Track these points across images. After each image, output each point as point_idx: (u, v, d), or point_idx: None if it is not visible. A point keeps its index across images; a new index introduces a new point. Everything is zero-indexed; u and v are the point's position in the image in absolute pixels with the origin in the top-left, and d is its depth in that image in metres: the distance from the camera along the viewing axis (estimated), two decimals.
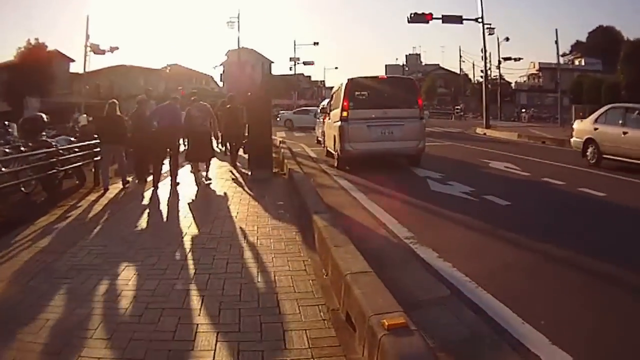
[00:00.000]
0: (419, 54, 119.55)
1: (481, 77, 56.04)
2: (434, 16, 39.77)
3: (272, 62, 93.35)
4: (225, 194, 11.71)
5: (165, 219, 9.39)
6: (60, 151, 13.07)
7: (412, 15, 39.83)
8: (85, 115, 25.32)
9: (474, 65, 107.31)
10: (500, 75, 69.23)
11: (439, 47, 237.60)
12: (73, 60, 53.12)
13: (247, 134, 15.53)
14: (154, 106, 14.91)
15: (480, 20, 41.16)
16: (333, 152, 16.70)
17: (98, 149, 13.75)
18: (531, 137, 28.93)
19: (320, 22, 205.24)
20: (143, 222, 8.97)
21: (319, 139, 25.26)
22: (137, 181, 13.57)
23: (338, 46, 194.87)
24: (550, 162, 17.00)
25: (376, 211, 9.38)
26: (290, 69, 72.96)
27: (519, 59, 64.04)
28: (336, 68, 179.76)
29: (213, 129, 14.09)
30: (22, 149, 12.65)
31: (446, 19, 40.41)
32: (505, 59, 62.46)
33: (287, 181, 13.06)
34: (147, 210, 10.08)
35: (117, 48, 39.56)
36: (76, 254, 6.85)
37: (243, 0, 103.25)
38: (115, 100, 13.76)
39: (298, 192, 10.44)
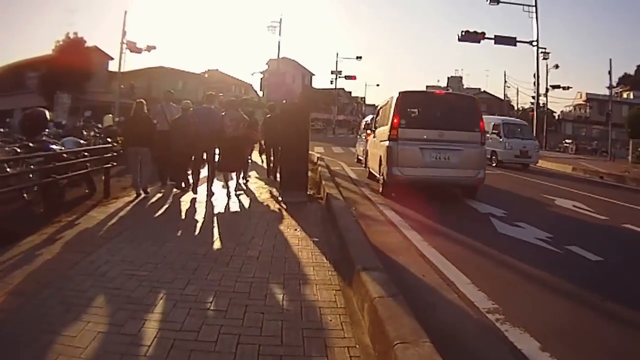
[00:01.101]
0: (461, 77, 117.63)
1: (531, 103, 53.97)
2: (486, 36, 38.05)
3: (313, 75, 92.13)
4: (250, 218, 10.00)
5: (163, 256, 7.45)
6: (65, 155, 11.37)
7: (464, 33, 38.48)
8: (110, 116, 23.77)
9: (518, 91, 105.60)
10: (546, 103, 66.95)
11: (483, 70, 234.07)
12: (112, 58, 51.63)
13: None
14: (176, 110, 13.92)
15: (534, 43, 39.13)
16: (377, 175, 14.89)
17: (109, 155, 12.15)
18: (587, 171, 26.81)
19: (364, 36, 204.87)
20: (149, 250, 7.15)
21: (360, 157, 23.70)
22: (162, 189, 13.06)
23: (380, 62, 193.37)
24: (622, 202, 15.00)
25: (439, 261, 7.39)
26: (331, 82, 71.62)
27: (568, 87, 61.83)
28: (377, 85, 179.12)
29: (249, 135, 13.59)
30: (18, 149, 10.98)
31: (499, 39, 39.46)
32: (554, 86, 60.23)
33: (324, 208, 11.24)
34: (156, 233, 8.32)
35: (154, 47, 38.38)
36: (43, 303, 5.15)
37: (286, 8, 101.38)
38: (142, 100, 12.94)
39: (337, 227, 8.60)
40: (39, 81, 46.20)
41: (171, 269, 6.42)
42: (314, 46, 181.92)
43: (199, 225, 9.29)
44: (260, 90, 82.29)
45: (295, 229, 8.97)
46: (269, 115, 16.52)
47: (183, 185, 12.92)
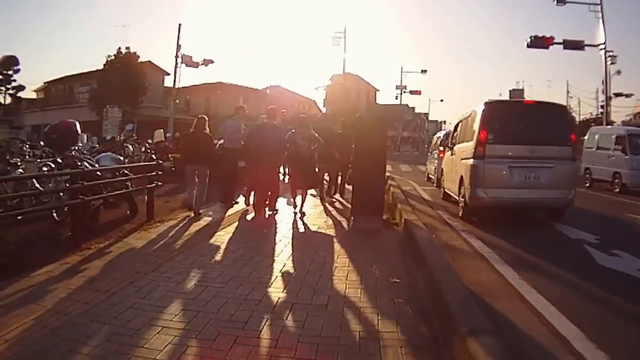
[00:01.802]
0: (523, 89, 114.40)
1: (590, 114, 51.35)
2: (554, 41, 36.33)
3: (377, 90, 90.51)
4: (316, 249, 8.41)
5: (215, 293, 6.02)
6: (98, 173, 10.10)
7: (532, 38, 36.56)
8: (161, 131, 22.68)
9: (579, 101, 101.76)
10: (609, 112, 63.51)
11: (544, 81, 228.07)
12: (168, 74, 50.65)
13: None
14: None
15: (602, 47, 37.17)
16: (456, 197, 13.22)
17: (154, 173, 10.86)
18: None
19: (426, 50, 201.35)
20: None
21: (431, 176, 22.10)
22: (225, 208, 12.43)
23: (441, 78, 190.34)
24: None
25: (543, 308, 5.75)
26: (396, 98, 69.81)
27: (630, 95, 58.33)
28: (441, 100, 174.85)
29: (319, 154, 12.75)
30: (44, 167, 9.72)
31: (567, 44, 36.89)
32: (617, 94, 56.79)
33: (402, 237, 9.64)
34: (200, 268, 6.90)
35: (211, 61, 37.06)
36: None
37: (349, 23, 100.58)
38: (204, 116, 12.37)
39: (424, 264, 6.97)
40: (90, 95, 46.07)
41: (214, 321, 4.95)
42: (377, 60, 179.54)
43: (255, 258, 7.73)
44: (324, 106, 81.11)
45: (371, 266, 7.35)
46: (340, 132, 15.37)
47: (239, 203, 12.35)
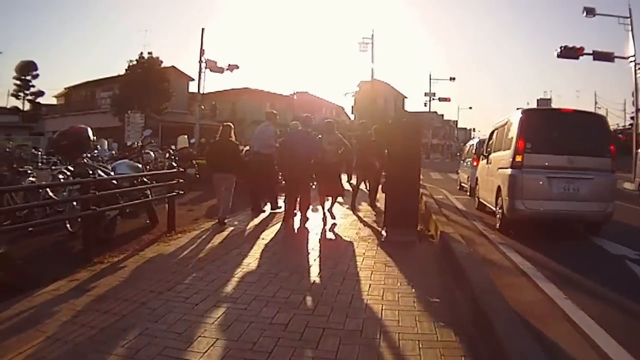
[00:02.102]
0: (550, 99, 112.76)
1: (617, 124, 50.00)
2: (584, 51, 35.67)
3: (405, 97, 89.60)
4: (347, 265, 7.79)
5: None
6: (114, 182, 9.60)
7: (562, 48, 35.92)
8: (185, 137, 22.19)
9: (607, 112, 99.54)
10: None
11: (573, 91, 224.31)
12: (192, 79, 49.85)
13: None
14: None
15: (632, 59, 36.16)
16: (492, 207, 12.58)
17: (174, 181, 10.38)
18: None
19: (454, 57, 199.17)
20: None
21: (463, 184, 21.44)
22: (253, 216, 12.31)
23: (470, 84, 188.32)
24: None
25: (595, 334, 5.21)
26: (425, 105, 68.81)
27: None
28: (470, 108, 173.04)
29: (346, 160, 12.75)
30: (59, 174, 9.23)
31: (597, 55, 36.05)
32: None
33: (438, 251, 9.02)
34: (220, 286, 6.36)
35: (236, 67, 36.29)
36: None
37: (377, 29, 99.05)
38: (230, 124, 12.16)
39: (462, 278, 6.45)
40: (112, 101, 45.47)
41: (234, 351, 4.39)
42: (405, 67, 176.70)
43: (281, 274, 7.10)
44: (352, 113, 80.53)
45: (408, 283, 6.74)
46: (373, 139, 14.74)
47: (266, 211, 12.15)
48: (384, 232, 10.15)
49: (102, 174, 9.56)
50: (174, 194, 10.49)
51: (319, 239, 9.94)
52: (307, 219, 11.64)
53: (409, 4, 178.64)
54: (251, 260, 7.85)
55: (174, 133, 35.95)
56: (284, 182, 13.18)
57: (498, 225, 11.70)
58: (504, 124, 12.90)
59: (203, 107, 38.83)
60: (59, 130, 10.97)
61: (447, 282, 6.87)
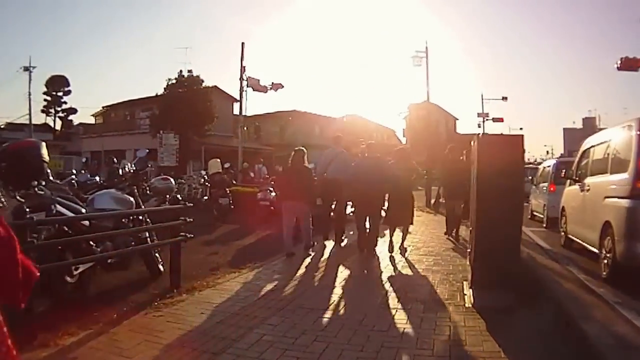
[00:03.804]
0: (595, 117, 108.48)
1: None
2: None
3: (457, 119, 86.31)
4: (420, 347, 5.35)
5: None
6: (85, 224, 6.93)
7: (623, 60, 32.45)
8: (218, 161, 19.90)
9: None
10: None
11: (621, 108, 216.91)
12: (237, 100, 47.11)
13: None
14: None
15: None
16: (593, 249, 9.68)
17: (181, 220, 7.76)
18: None
19: (504, 78, 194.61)
20: None
21: (536, 214, 18.66)
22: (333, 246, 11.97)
23: (521, 106, 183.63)
24: None
25: None
26: (479, 126, 65.27)
27: None
28: (521, 129, 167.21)
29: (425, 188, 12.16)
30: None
31: None
32: None
33: (549, 322, 6.37)
34: None
35: (281, 86, 33.59)
36: None
37: (427, 48, 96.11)
38: (303, 148, 11.60)
39: None
40: (150, 121, 43.93)
41: None
42: (454, 87, 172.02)
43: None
44: (404, 136, 77.60)
45: None
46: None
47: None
48: (469, 293, 7.44)
49: (63, 209, 6.76)
50: (179, 237, 7.89)
51: (384, 293, 7.96)
52: (375, 252, 11.06)
53: (455, 22, 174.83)
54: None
55: (218, 156, 34.17)
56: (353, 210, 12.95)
57: (605, 273, 8.81)
58: (606, 139, 10.00)
59: (246, 128, 36.58)
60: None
61: None
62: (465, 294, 7.68)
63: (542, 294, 7.38)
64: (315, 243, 11.76)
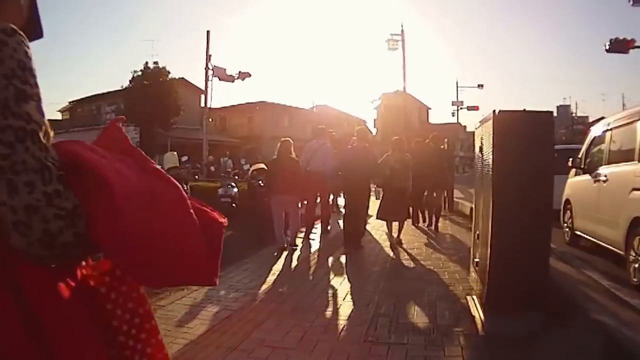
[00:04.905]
0: (569, 105, 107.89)
1: None
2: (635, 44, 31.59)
3: (430, 109, 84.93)
4: None
5: None
6: None
7: (612, 41, 31.80)
8: (174, 154, 18.05)
9: None
10: None
11: (600, 94, 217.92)
12: (205, 93, 46.13)
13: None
14: None
15: None
16: (618, 250, 8.10)
17: None
18: None
19: (479, 64, 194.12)
20: None
21: None
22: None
23: (496, 93, 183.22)
24: None
25: None
26: (453, 115, 64.12)
27: None
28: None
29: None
30: None
31: None
32: None
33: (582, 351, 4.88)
34: None
35: (248, 75, 31.98)
36: None
37: (397, 35, 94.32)
38: (289, 139, 11.12)
39: None
40: (116, 115, 40.96)
41: None
42: (426, 75, 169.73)
43: None
44: (374, 127, 76.20)
45: None
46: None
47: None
48: (478, 315, 5.82)
49: None
50: None
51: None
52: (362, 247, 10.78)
53: (429, 6, 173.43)
54: None
55: (184, 150, 33.27)
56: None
57: (637, 280, 7.24)
58: (630, 121, 8.38)
59: (212, 120, 34.97)
60: None
61: None
62: (474, 315, 6.05)
63: (574, 312, 5.76)
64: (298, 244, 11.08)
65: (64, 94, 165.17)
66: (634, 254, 7.39)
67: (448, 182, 14.90)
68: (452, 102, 62.67)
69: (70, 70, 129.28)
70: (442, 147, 14.55)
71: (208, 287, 7.11)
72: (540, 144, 5.51)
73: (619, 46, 32.36)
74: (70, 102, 57.22)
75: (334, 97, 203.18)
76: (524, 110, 5.58)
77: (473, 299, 6.65)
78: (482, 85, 64.78)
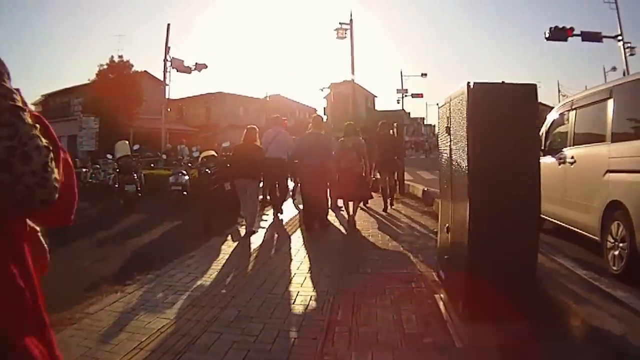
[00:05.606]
0: None
1: None
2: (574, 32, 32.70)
3: (376, 97, 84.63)
4: None
5: None
6: None
7: (552, 29, 32.47)
8: (126, 142, 16.93)
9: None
10: None
11: (554, 80, 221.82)
12: (167, 85, 46.36)
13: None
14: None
15: (620, 38, 33.91)
16: (592, 235, 7.27)
17: None
18: None
19: (422, 53, 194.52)
20: None
21: None
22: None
23: (439, 81, 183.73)
24: None
25: None
26: (398, 102, 64.04)
27: None
28: (437, 104, 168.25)
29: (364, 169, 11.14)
30: None
31: (586, 36, 33.26)
32: None
33: None
34: None
35: (205, 66, 32.07)
36: None
37: (338, 24, 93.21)
38: (254, 126, 11.01)
39: None
40: (83, 107, 42.29)
41: None
42: (371, 64, 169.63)
43: None
44: (324, 114, 75.79)
45: None
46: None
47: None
48: (451, 321, 4.90)
49: None
50: None
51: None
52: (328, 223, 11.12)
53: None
54: None
55: (146, 139, 33.36)
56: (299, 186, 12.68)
57: (616, 268, 6.39)
58: (597, 99, 7.48)
59: (170, 109, 34.96)
60: None
61: None
62: (446, 321, 5.08)
63: (563, 315, 4.86)
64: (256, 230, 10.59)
65: (39, 89, 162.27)
66: (612, 240, 6.49)
67: (399, 166, 14.89)
68: (397, 90, 62.63)
69: (46, 66, 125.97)
70: (390, 132, 14.56)
71: (144, 288, 6.13)
72: (523, 120, 4.49)
73: (558, 34, 32.38)
74: (42, 95, 57.84)
75: (286, 87, 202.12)
76: (503, 82, 4.61)
77: (441, 298, 5.71)
78: (425, 74, 65.14)
